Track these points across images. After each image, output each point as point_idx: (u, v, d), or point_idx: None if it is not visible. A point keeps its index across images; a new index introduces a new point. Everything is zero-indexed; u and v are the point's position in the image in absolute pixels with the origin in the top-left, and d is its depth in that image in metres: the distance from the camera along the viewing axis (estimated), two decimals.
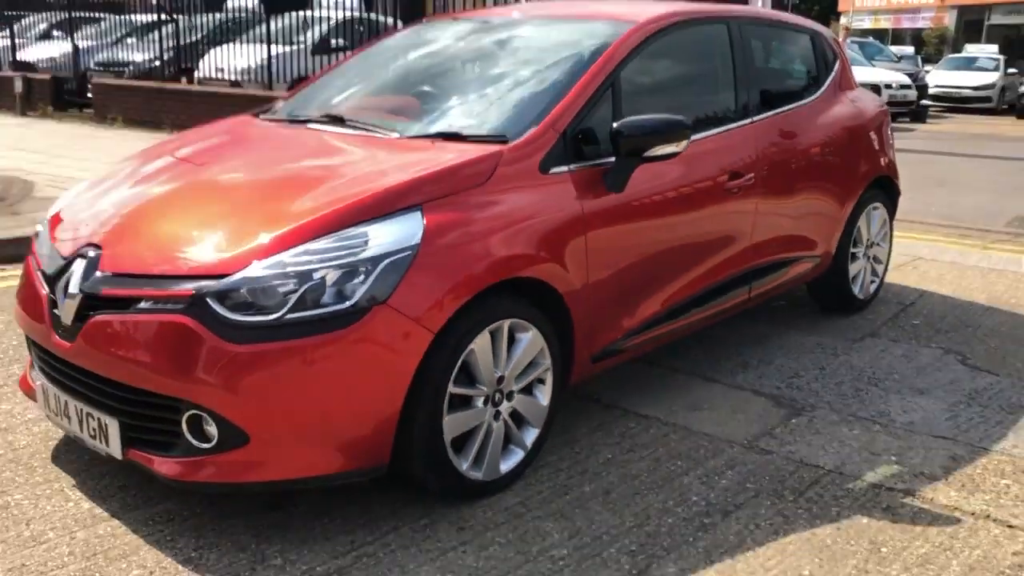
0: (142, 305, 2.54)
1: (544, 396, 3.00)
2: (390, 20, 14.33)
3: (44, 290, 2.83)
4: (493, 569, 2.48)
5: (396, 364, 2.55)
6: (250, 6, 15.03)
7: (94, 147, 10.77)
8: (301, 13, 13.75)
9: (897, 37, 38.32)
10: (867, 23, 40.90)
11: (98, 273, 2.65)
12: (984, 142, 15.59)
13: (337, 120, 3.43)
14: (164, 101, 13.10)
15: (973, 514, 2.83)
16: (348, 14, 13.52)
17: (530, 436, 2.98)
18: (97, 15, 16.82)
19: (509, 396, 2.88)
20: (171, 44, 14.39)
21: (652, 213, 3.32)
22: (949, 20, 37.32)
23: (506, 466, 2.91)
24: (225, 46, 13.61)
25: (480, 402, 2.78)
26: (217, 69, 13.57)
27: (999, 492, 2.97)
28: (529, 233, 2.86)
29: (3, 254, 5.71)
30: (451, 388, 2.67)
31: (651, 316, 3.44)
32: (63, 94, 15.32)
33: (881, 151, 4.80)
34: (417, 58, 3.91)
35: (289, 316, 2.44)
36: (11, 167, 8.67)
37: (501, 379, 2.83)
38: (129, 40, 15.91)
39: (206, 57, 13.90)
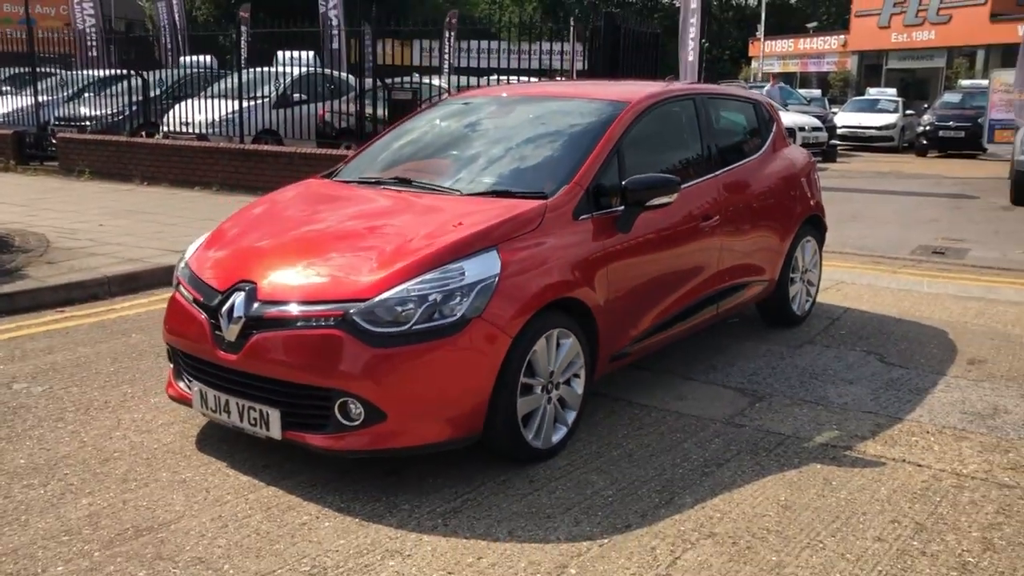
0: (299, 324, 3.48)
1: (579, 387, 4.01)
2: (343, 75, 15.37)
3: (203, 316, 3.73)
4: (562, 504, 3.46)
5: (488, 360, 3.53)
6: (205, 62, 15.82)
7: (75, 199, 11.42)
8: (262, 69, 14.65)
9: (804, 80, 40.86)
10: (776, 67, 43.45)
11: (257, 302, 3.58)
12: (889, 179, 17.28)
13: (405, 182, 4.43)
14: (134, 154, 13.78)
15: (893, 459, 3.92)
16: (306, 70, 14.46)
17: (571, 416, 3.98)
18: (51, 70, 17.35)
19: (556, 386, 3.87)
20: (135, 99, 15.07)
21: (650, 248, 4.38)
22: (851, 64, 39.98)
23: (556, 438, 3.90)
24: (189, 100, 14.36)
25: (539, 390, 3.77)
26: (183, 123, 14.32)
27: (911, 445, 4.07)
28: (570, 265, 3.89)
29: (57, 298, 6.48)
30: (522, 379, 3.66)
31: (649, 327, 4.48)
32: (25, 148, 15.82)
33: (811, 194, 6.00)
34: (457, 128, 4.93)
35: (415, 327, 3.41)
36: (7, 220, 9.31)
37: (551, 373, 3.82)
38: (86, 95, 16.51)
39: (171, 111, 14.62)
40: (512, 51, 12.04)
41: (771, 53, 43.68)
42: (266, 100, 14.30)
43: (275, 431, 3.54)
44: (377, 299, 3.44)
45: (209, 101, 14.06)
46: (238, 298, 3.62)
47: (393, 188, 4.41)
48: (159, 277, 7.13)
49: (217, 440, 4.03)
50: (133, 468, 3.75)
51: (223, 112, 13.85)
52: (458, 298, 3.48)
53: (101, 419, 4.28)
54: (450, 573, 2.99)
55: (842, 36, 40.44)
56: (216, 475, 3.70)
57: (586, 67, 11.04)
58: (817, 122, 20.65)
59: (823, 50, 41.29)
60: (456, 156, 4.66)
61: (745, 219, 5.22)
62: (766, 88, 26.72)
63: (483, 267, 3.58)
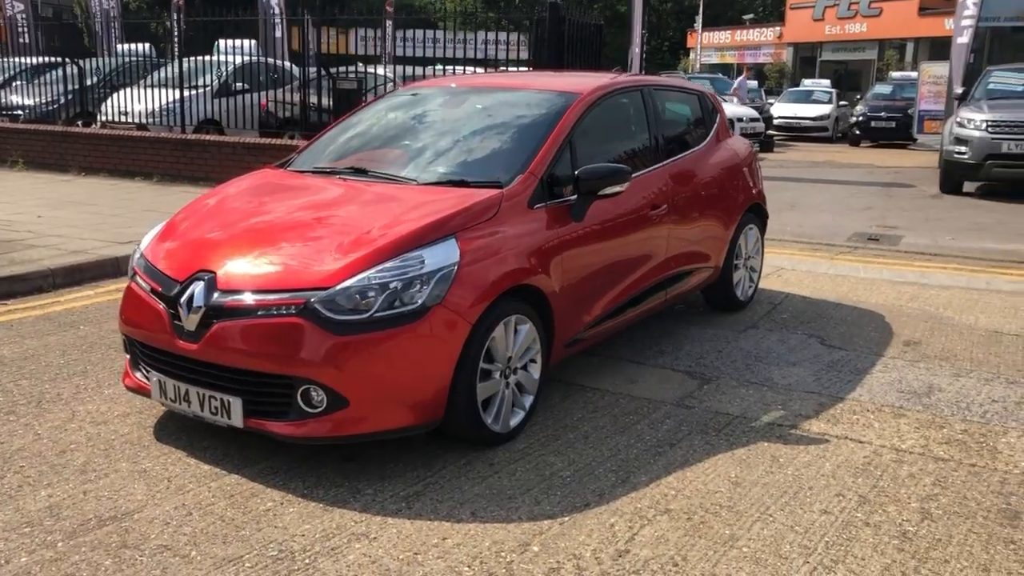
0: (260, 312, 3.51)
1: (536, 372, 4.10)
2: (286, 64, 15.21)
3: (161, 306, 3.73)
4: (522, 485, 3.56)
5: (448, 346, 3.60)
6: (142, 50, 15.52)
7: (9, 190, 11.15)
8: (202, 58, 14.42)
9: (741, 71, 41.56)
10: (714, 59, 44.10)
11: (217, 291, 3.59)
12: (824, 168, 17.72)
13: (360, 172, 4.47)
14: (70, 144, 13.48)
15: (837, 436, 4.09)
16: (248, 59, 14.28)
17: (528, 401, 4.07)
18: None
19: (514, 371, 3.96)
20: (71, 87, 14.73)
21: (602, 236, 4.49)
22: (787, 56, 40.77)
23: (513, 422, 3.98)
24: (128, 89, 14.08)
25: (497, 375, 3.85)
26: (121, 112, 14.04)
27: (852, 423, 4.26)
28: (526, 253, 3.97)
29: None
30: (481, 364, 3.74)
31: (602, 313, 4.59)
32: None
33: (753, 184, 6.17)
34: (409, 119, 4.98)
35: (377, 315, 3.47)
36: None
37: (509, 359, 3.91)
38: (17, 83, 16.07)
39: (109, 100, 14.32)
40: (454, 41, 12.03)
41: (709, 44, 44.31)
42: (207, 89, 14.09)
43: (236, 419, 3.56)
44: (338, 287, 3.49)
45: (148, 90, 13.81)
46: (197, 288, 3.63)
47: (349, 178, 4.44)
48: (105, 269, 7.05)
49: (176, 430, 4.03)
50: (91, 459, 3.74)
51: (163, 101, 13.62)
52: (418, 286, 3.54)
53: (55, 411, 4.25)
54: (416, 554, 3.06)
55: (778, 28, 41.21)
56: (177, 464, 3.71)
57: (531, 58, 11.11)
58: (754, 112, 21.08)
59: (759, 42, 42.05)
60: (410, 146, 4.71)
61: (692, 207, 5.36)
62: (738, 80, 27.15)
63: (442, 255, 3.65)
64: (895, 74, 29.75)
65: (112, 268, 7.10)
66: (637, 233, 4.79)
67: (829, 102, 28.88)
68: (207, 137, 12.52)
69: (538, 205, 4.15)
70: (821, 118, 28.04)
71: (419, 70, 11.72)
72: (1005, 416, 4.36)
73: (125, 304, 3.99)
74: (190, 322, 3.61)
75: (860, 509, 3.41)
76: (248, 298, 3.54)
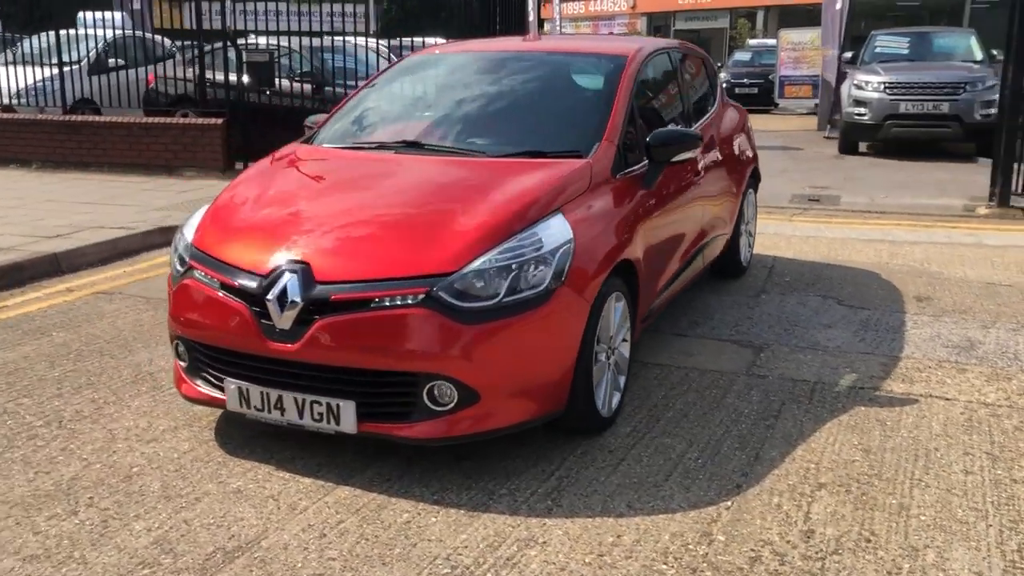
0: (374, 304, 3.14)
1: (627, 350, 3.90)
2: (159, 39, 14.14)
3: (239, 303, 3.29)
4: (658, 471, 3.36)
5: (572, 328, 3.35)
6: None
7: None
8: (64, 32, 13.19)
9: None
10: (569, 29, 44.47)
11: (316, 284, 3.19)
12: None
13: (415, 146, 4.10)
14: None
15: (922, 396, 4.10)
16: (121, 32, 13.19)
17: (622, 381, 3.87)
18: None
19: (613, 351, 3.74)
20: None
21: (665, 204, 4.30)
22: (641, 26, 41.60)
23: (615, 404, 3.77)
24: None
25: (603, 356, 3.63)
26: None
27: (926, 381, 4.28)
28: (621, 225, 3.75)
29: None
30: (595, 346, 3.50)
31: (663, 284, 4.43)
32: None
33: (753, 146, 6.14)
34: (447, 87, 4.61)
35: (505, 300, 3.17)
36: None
37: (611, 338, 3.69)
38: None
39: None
40: (300, 12, 11.15)
41: (565, 15, 44.60)
42: (79, 66, 12.91)
43: (348, 425, 3.19)
44: (462, 272, 3.16)
45: (11, 67, 12.51)
46: (290, 281, 3.21)
47: (405, 152, 4.07)
48: (43, 267, 6.29)
49: (243, 441, 3.60)
50: (168, 483, 3.28)
51: (31, 80, 12.38)
52: (541, 267, 3.27)
53: (87, 432, 3.71)
54: (601, 555, 2.82)
55: None
56: (271, 480, 3.30)
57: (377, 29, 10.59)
58: None
59: (613, 12, 42.68)
60: (461, 116, 4.36)
61: (717, 172, 5.26)
62: None
63: (557, 233, 3.38)
64: (752, 41, 30.84)
65: (51, 265, 6.35)
66: (687, 199, 4.64)
67: None
68: (98, 118, 11.49)
69: (620, 174, 3.93)
70: None
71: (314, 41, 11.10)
72: None
73: (179, 303, 3.51)
74: (284, 320, 3.19)
75: (998, 466, 3.41)
76: (357, 289, 3.16)
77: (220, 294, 3.36)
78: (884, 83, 12.49)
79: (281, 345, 3.21)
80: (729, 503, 3.13)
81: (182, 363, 3.60)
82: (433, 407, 3.18)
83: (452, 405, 3.17)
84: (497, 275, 3.19)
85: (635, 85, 4.33)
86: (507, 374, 3.21)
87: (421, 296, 3.13)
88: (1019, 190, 8.44)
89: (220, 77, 11.42)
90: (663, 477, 3.33)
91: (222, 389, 3.42)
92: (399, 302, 3.13)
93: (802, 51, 27.18)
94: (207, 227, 3.66)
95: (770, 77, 26.96)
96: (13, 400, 4.06)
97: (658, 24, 41.25)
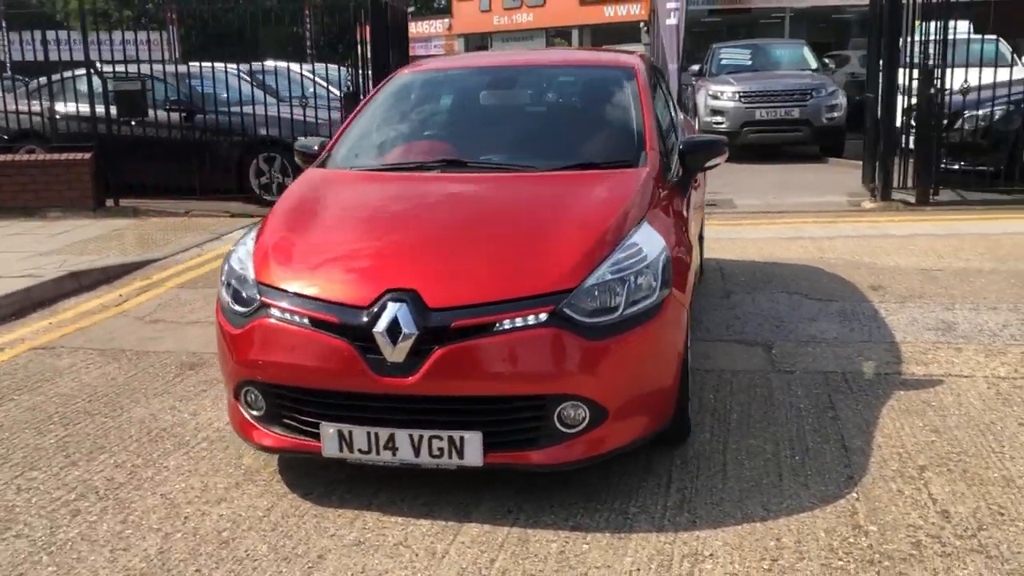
0: (497, 327, 2.98)
1: (688, 354, 3.90)
2: None
3: (339, 340, 3.04)
4: (765, 472, 3.37)
5: (678, 337, 3.32)
6: None
7: None
8: None
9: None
10: None
11: (431, 312, 3.00)
12: None
13: (457, 164, 3.94)
14: None
15: (944, 376, 4.35)
16: None
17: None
18: None
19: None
20: None
21: (690, 210, 4.35)
22: (458, 47, 42.02)
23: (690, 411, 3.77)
24: None
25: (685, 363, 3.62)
26: None
27: (938, 363, 4.53)
28: (684, 231, 3.76)
29: None
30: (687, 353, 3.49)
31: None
32: None
33: None
34: (464, 103, 4.48)
35: (626, 313, 3.10)
36: None
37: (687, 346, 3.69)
38: None
39: None
40: (99, 41, 10.46)
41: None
42: None
43: (473, 457, 3.01)
44: (582, 287, 3.07)
45: None
46: (399, 311, 3.00)
47: (451, 172, 3.91)
48: None
49: (324, 489, 3.33)
50: (276, 544, 2.97)
51: None
52: (649, 277, 3.22)
53: (137, 500, 3.32)
54: (775, 560, 2.80)
55: (447, 20, 42.33)
56: (387, 526, 3.07)
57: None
58: None
59: (430, 33, 42.88)
60: (492, 133, 4.25)
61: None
62: None
63: (652, 242, 3.34)
64: None
65: None
66: (696, 206, 4.72)
67: None
68: None
69: (666, 180, 3.94)
70: None
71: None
72: None
73: (251, 346, 3.20)
74: (398, 353, 2.98)
75: None
76: (479, 313, 3.00)
77: (311, 331, 3.09)
78: (738, 92, 13.24)
79: (394, 380, 2.99)
80: (854, 495, 3.20)
81: (254, 411, 3.28)
82: (563, 430, 3.05)
83: (582, 426, 3.05)
84: (614, 288, 3.12)
85: (651, 94, 4.37)
86: (631, 389, 3.14)
87: (546, 315, 3.00)
88: (897, 185, 9.17)
89: (73, 109, 10.56)
90: (776, 477, 3.35)
91: (313, 434, 3.14)
92: (524, 323, 3.00)
93: None
94: (272, 262, 3.35)
95: None
96: (20, 475, 3.56)
97: (476, 44, 41.80)
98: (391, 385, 3.00)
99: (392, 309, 3.01)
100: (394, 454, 3.05)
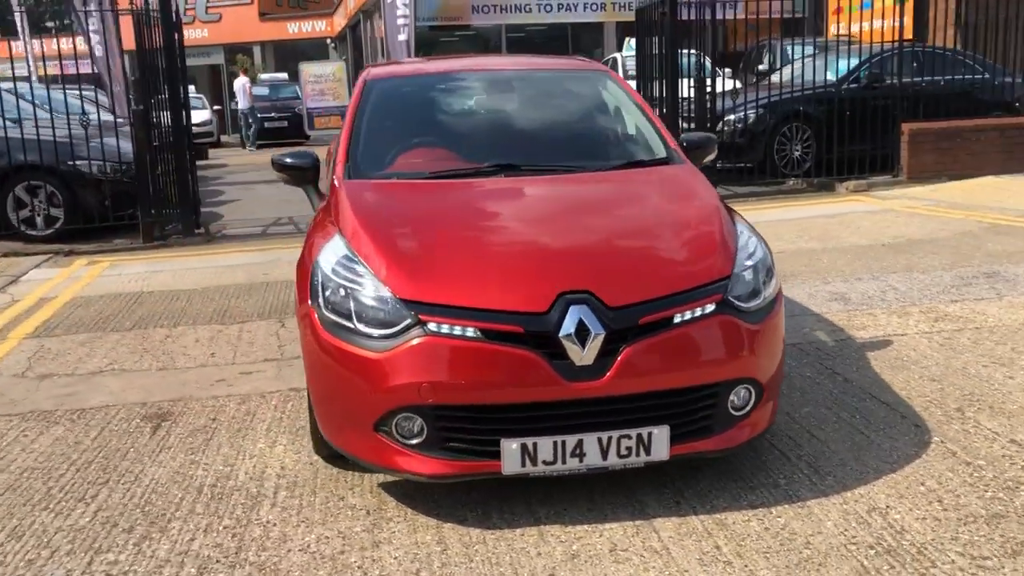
0: (677, 320, 3.04)
1: None
2: None
3: (521, 350, 2.92)
4: (851, 458, 3.70)
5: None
6: None
7: None
8: None
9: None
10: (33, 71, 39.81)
11: (612, 311, 2.98)
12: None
13: (511, 168, 3.87)
14: None
15: (885, 336, 5.00)
16: None
17: None
18: None
19: None
20: None
21: None
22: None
23: None
24: None
25: None
26: None
27: (865, 328, 5.19)
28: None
29: None
30: None
31: None
32: None
33: None
34: (469, 110, 4.38)
35: (767, 297, 3.29)
36: None
37: None
38: None
39: None
40: None
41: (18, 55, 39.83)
42: None
43: (660, 451, 3.04)
44: (735, 274, 3.22)
45: None
46: (583, 312, 2.95)
47: (518, 175, 3.89)
48: None
49: (479, 513, 3.17)
50: (513, 571, 2.79)
51: None
52: (768, 261, 3.44)
53: (296, 561, 2.93)
54: (939, 500, 3.12)
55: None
56: (591, 536, 2.99)
57: None
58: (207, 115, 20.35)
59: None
60: (516, 136, 4.24)
61: None
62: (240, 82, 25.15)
63: (747, 229, 3.56)
64: (264, 76, 30.88)
65: None
66: None
67: (203, 108, 28.81)
68: None
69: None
70: (205, 123, 27.87)
71: None
72: (919, 297, 5.73)
73: (420, 366, 2.95)
74: (588, 356, 2.93)
75: None
76: (659, 308, 3.03)
77: (487, 344, 2.93)
78: None
79: (585, 383, 2.94)
80: (937, 438, 3.62)
81: (410, 440, 3.02)
82: (734, 414, 3.17)
83: (747, 409, 3.20)
84: (756, 274, 3.30)
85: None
86: (776, 369, 3.33)
87: (714, 304, 3.11)
88: None
89: None
90: (861, 436, 3.68)
91: (489, 453, 2.98)
92: (699, 313, 3.08)
93: (326, 83, 28.12)
94: (412, 276, 3.12)
95: (297, 110, 27.43)
96: (92, 562, 2.96)
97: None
98: (582, 389, 2.94)
99: (575, 311, 2.95)
100: (581, 460, 2.99)
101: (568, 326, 2.93)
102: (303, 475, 3.53)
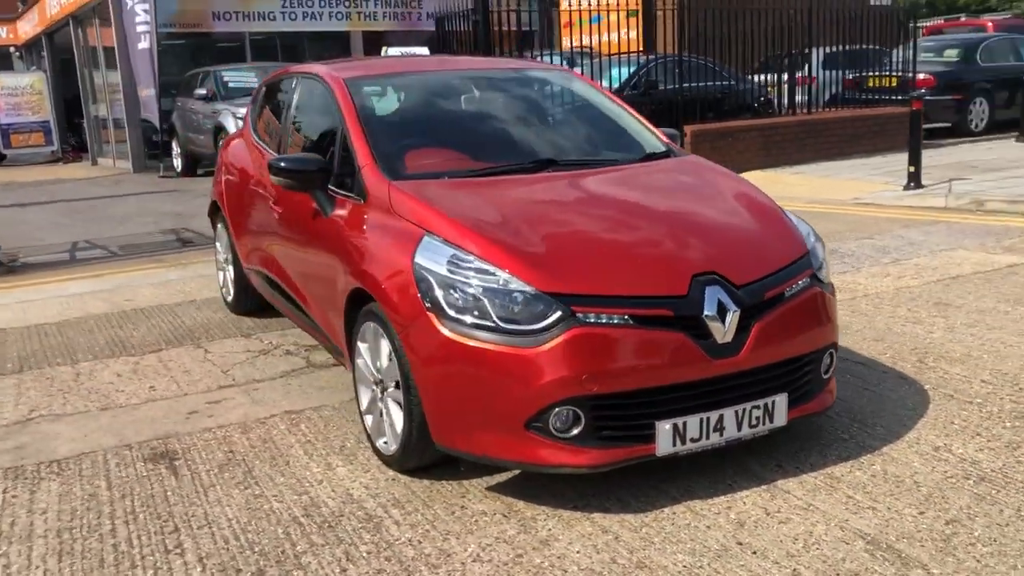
0: (787, 294, 3.30)
1: None
2: None
3: (675, 332, 3.03)
4: (878, 389, 4.18)
5: None
6: None
7: None
8: None
9: None
10: None
11: (740, 289, 3.17)
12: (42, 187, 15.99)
13: (550, 163, 3.92)
14: None
15: (877, 292, 5.57)
16: None
17: None
18: None
19: None
20: None
21: None
22: None
23: None
24: None
25: None
26: None
27: (854, 285, 5.75)
28: None
29: None
30: None
31: None
32: None
33: None
34: (464, 110, 4.37)
35: (825, 271, 3.63)
36: None
37: None
38: None
39: None
40: None
41: None
42: None
43: (780, 418, 3.28)
44: (809, 251, 3.52)
45: None
46: (718, 292, 3.13)
47: (559, 170, 3.93)
48: None
49: (594, 496, 3.21)
50: (701, 545, 2.87)
51: None
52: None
53: (480, 571, 2.80)
54: (1016, 448, 3.51)
55: None
56: (723, 505, 3.14)
57: None
58: None
59: None
60: (534, 132, 4.33)
61: None
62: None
63: (788, 211, 3.91)
64: None
65: None
66: None
67: None
68: None
69: None
70: None
71: None
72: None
73: (581, 357, 2.95)
74: (728, 333, 3.11)
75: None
76: (775, 284, 3.30)
77: (641, 329, 3.01)
78: None
79: (727, 360, 3.11)
80: (952, 393, 4.10)
81: (567, 434, 3.00)
82: (824, 377, 3.48)
83: (831, 372, 3.52)
84: (820, 248, 3.63)
85: None
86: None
87: (809, 277, 3.41)
88: None
89: None
90: (891, 391, 4.14)
91: (643, 438, 3.05)
92: (800, 286, 3.36)
93: (23, 96, 25.39)
94: (548, 269, 3.10)
95: None
96: None
97: None
98: (724, 366, 3.10)
99: (712, 292, 3.11)
100: (721, 434, 3.15)
101: (709, 306, 3.09)
102: (398, 492, 3.35)
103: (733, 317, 3.11)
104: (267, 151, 4.97)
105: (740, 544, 2.90)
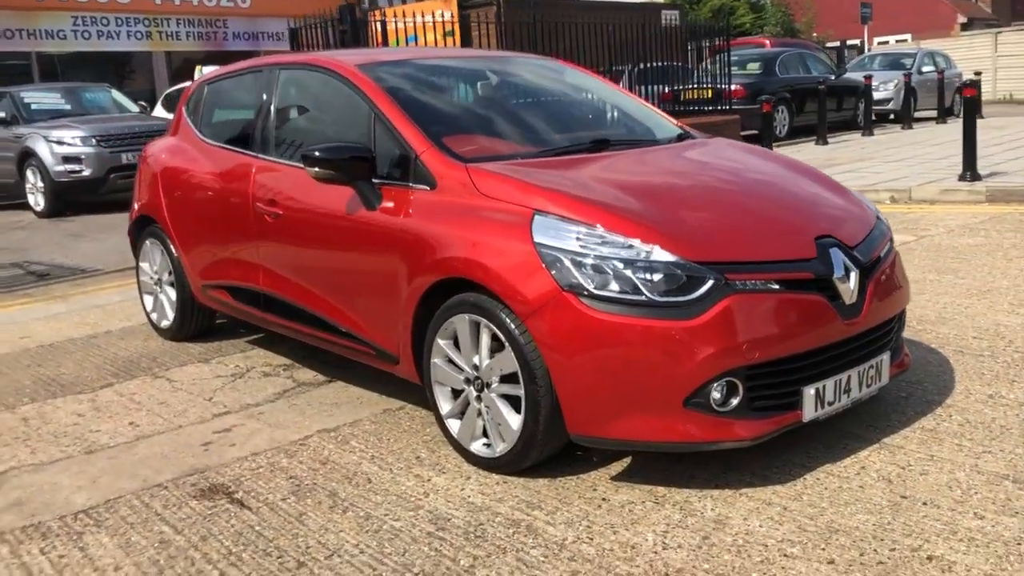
0: (883, 255, 3.42)
1: None
2: None
3: (810, 296, 3.03)
4: (921, 377, 4.35)
5: None
6: None
7: None
8: None
9: None
10: None
11: (855, 251, 3.24)
12: None
13: (603, 143, 3.80)
14: None
15: None
16: None
17: None
18: None
19: None
20: None
21: None
22: None
23: None
24: None
25: None
26: None
27: None
28: None
29: None
30: None
31: None
32: None
33: None
34: (500, 93, 4.21)
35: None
36: None
37: None
38: None
39: None
40: None
41: None
42: None
43: (885, 376, 3.38)
44: (880, 215, 3.66)
45: None
46: (838, 255, 3.15)
47: (615, 150, 3.85)
48: None
49: (715, 471, 3.15)
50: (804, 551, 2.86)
51: None
52: None
53: (638, 569, 2.63)
54: None
55: None
56: (851, 472, 3.16)
57: None
58: None
59: None
60: (563, 114, 4.32)
61: None
62: None
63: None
64: None
65: None
66: None
67: None
68: None
69: None
70: None
71: None
72: None
73: (739, 326, 2.87)
74: (853, 294, 3.15)
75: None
76: (874, 247, 3.39)
77: (788, 294, 2.99)
78: (94, 137, 12.14)
79: (852, 321, 3.15)
80: (962, 349, 4.36)
81: (726, 406, 2.90)
82: (902, 336, 3.59)
83: (902, 336, 3.64)
84: (881, 216, 3.75)
85: None
86: None
87: (889, 241, 3.52)
88: None
89: None
90: (918, 360, 4.27)
91: (789, 405, 3.02)
92: (888, 248, 3.48)
93: None
94: (684, 239, 2.98)
95: None
96: None
97: None
98: (850, 327, 3.14)
99: (836, 254, 3.13)
100: (848, 395, 3.17)
101: (838, 268, 3.10)
102: (521, 494, 3.10)
103: (855, 278, 3.15)
104: (244, 153, 4.47)
105: (905, 498, 2.92)
